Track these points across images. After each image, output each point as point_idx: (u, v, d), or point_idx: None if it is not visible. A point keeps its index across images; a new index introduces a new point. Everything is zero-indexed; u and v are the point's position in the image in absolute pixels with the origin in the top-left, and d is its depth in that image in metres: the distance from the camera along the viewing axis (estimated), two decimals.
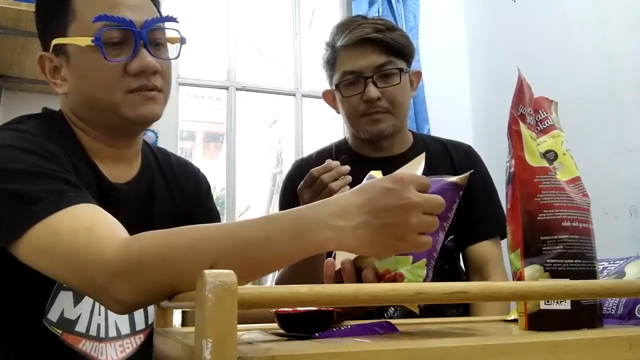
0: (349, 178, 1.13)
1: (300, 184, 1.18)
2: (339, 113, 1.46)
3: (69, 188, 0.79)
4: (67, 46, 0.94)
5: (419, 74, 1.49)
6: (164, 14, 1.00)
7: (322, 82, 1.47)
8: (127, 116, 0.93)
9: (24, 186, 0.77)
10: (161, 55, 0.97)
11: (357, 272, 0.83)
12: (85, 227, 0.71)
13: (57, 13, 0.95)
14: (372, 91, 1.34)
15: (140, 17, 0.93)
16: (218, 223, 0.66)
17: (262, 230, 0.64)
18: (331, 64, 1.42)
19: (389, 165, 1.26)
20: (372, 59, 1.36)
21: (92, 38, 0.90)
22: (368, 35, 1.36)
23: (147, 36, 0.94)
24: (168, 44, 1.00)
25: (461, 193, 0.84)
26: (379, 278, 0.80)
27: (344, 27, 1.41)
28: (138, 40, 0.92)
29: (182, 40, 1.01)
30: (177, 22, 1.00)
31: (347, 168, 1.14)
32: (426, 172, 0.83)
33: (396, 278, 0.78)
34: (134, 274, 0.66)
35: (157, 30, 0.97)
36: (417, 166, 0.84)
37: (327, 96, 1.47)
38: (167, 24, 0.99)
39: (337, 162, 1.15)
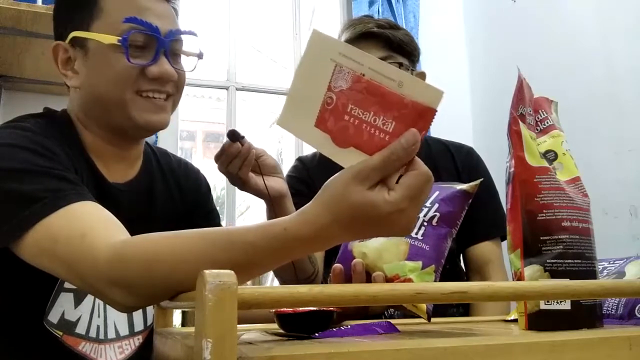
0: (252, 155, 1.06)
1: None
2: None
3: (68, 186, 0.79)
4: (88, 40, 0.95)
5: (423, 75, 1.50)
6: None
7: None
8: (136, 120, 0.95)
9: (22, 185, 0.78)
10: (178, 65, 1.00)
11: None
12: (80, 234, 0.71)
13: (82, 6, 0.96)
14: None
15: (165, 26, 0.96)
16: (202, 237, 0.64)
17: (244, 255, 0.60)
18: None
19: None
20: (372, 53, 1.37)
21: (119, 38, 0.92)
22: (370, 30, 1.38)
23: (169, 45, 0.96)
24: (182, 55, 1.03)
25: (470, 201, 0.85)
26: (388, 282, 0.80)
27: (348, 24, 1.45)
28: (160, 48, 0.95)
29: (199, 55, 1.04)
30: (197, 36, 1.03)
31: (246, 149, 1.05)
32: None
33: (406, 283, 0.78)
34: (125, 283, 0.66)
35: (178, 41, 1.00)
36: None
37: None
38: (190, 38, 1.02)
39: (236, 146, 1.05)
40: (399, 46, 1.39)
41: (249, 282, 1.58)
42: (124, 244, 0.68)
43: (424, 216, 0.85)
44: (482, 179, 0.92)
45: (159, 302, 0.69)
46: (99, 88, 0.95)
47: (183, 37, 1.01)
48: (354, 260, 0.84)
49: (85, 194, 0.80)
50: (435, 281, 0.81)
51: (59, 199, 0.76)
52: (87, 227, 0.72)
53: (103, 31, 0.93)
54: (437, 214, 0.85)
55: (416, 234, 0.84)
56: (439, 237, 0.85)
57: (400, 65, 1.39)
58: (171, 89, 0.98)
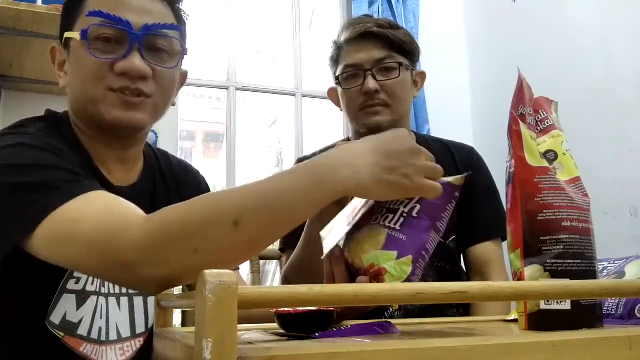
0: None
1: None
2: (342, 111, 1.47)
3: (81, 178, 0.79)
4: (71, 40, 0.94)
5: (423, 75, 1.50)
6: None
7: (322, 82, 1.49)
8: (104, 116, 0.91)
9: (38, 178, 0.76)
10: (159, 62, 0.94)
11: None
12: (106, 210, 0.70)
13: (72, 6, 0.95)
14: (371, 83, 1.36)
15: (140, 20, 0.91)
16: (231, 187, 0.68)
17: (279, 180, 0.68)
18: (335, 60, 1.44)
19: None
20: (372, 53, 1.38)
21: (80, 32, 0.90)
22: (370, 30, 1.38)
23: (144, 40, 0.91)
24: (179, 55, 0.98)
25: (457, 194, 0.83)
26: (364, 273, 0.80)
27: (348, 24, 1.45)
28: (132, 43, 0.91)
29: (183, 51, 0.98)
30: (180, 30, 0.98)
31: None
32: None
33: (380, 271, 0.78)
34: (160, 245, 0.64)
35: (160, 36, 0.94)
36: None
37: (332, 94, 1.49)
38: (167, 32, 0.95)
39: None
40: (399, 46, 1.40)
41: (248, 284, 1.59)
42: (157, 212, 0.68)
43: (405, 207, 0.85)
44: (470, 172, 0.91)
45: (183, 278, 0.67)
46: (76, 87, 0.94)
47: (177, 33, 0.97)
48: (332, 246, 0.85)
49: (100, 187, 0.78)
50: (415, 272, 0.80)
51: (75, 188, 0.74)
52: (110, 203, 0.72)
53: (78, 28, 0.92)
54: (418, 205, 0.84)
55: (395, 224, 0.84)
56: (418, 228, 0.84)
57: (401, 64, 1.39)
58: (148, 87, 0.92)
